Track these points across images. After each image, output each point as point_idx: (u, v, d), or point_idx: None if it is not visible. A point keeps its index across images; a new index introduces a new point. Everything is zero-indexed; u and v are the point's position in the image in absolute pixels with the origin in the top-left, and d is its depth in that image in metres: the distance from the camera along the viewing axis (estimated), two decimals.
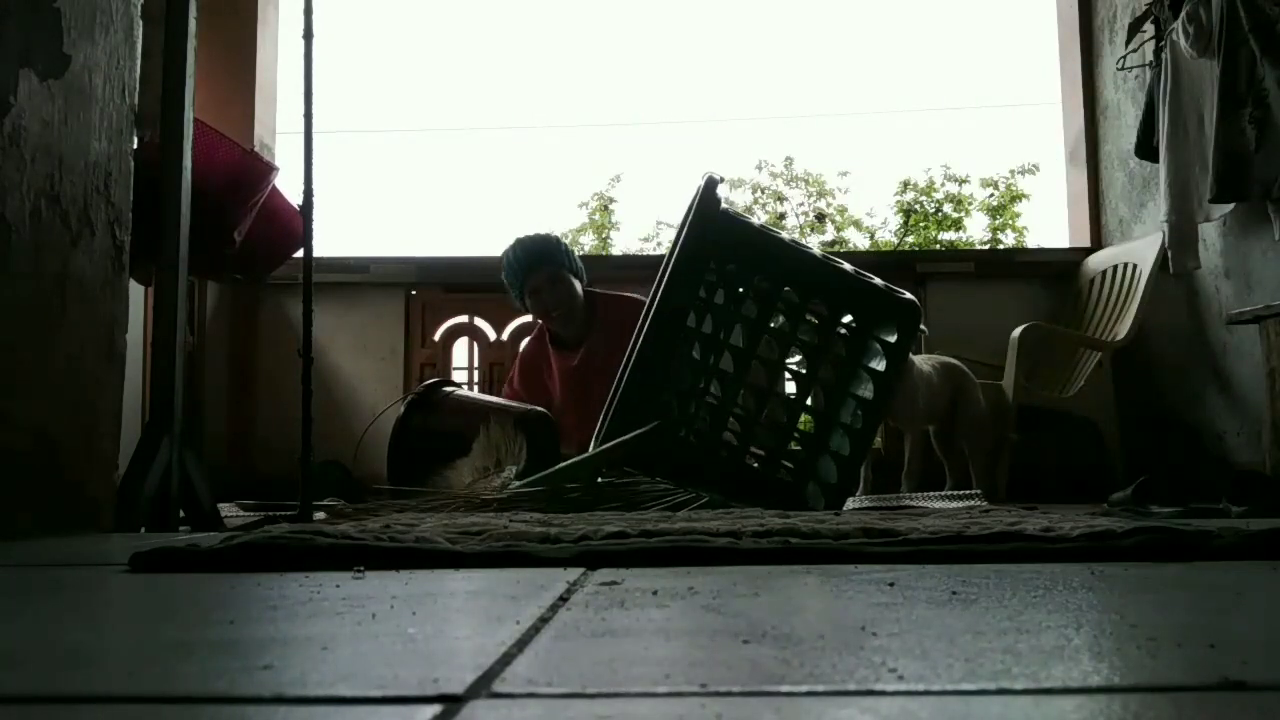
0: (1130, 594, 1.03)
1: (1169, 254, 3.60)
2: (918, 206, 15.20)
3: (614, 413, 2.54)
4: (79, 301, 2.11)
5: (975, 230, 15.09)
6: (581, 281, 3.47)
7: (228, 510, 2.88)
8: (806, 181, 15.53)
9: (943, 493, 3.37)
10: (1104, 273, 4.12)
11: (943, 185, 15.20)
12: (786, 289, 2.59)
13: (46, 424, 2.00)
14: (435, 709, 0.56)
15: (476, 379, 4.61)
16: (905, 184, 15.29)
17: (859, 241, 15.15)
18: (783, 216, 15.19)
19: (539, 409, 3.19)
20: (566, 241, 3.63)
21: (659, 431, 2.47)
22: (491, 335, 4.54)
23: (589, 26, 31.90)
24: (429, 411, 3.24)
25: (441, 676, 0.63)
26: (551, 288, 3.31)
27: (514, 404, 3.24)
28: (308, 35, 2.53)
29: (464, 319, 4.61)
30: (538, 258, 3.31)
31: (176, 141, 2.41)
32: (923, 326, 2.93)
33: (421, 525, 1.65)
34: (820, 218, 15.27)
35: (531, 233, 3.44)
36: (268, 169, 3.49)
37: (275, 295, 4.39)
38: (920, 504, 2.99)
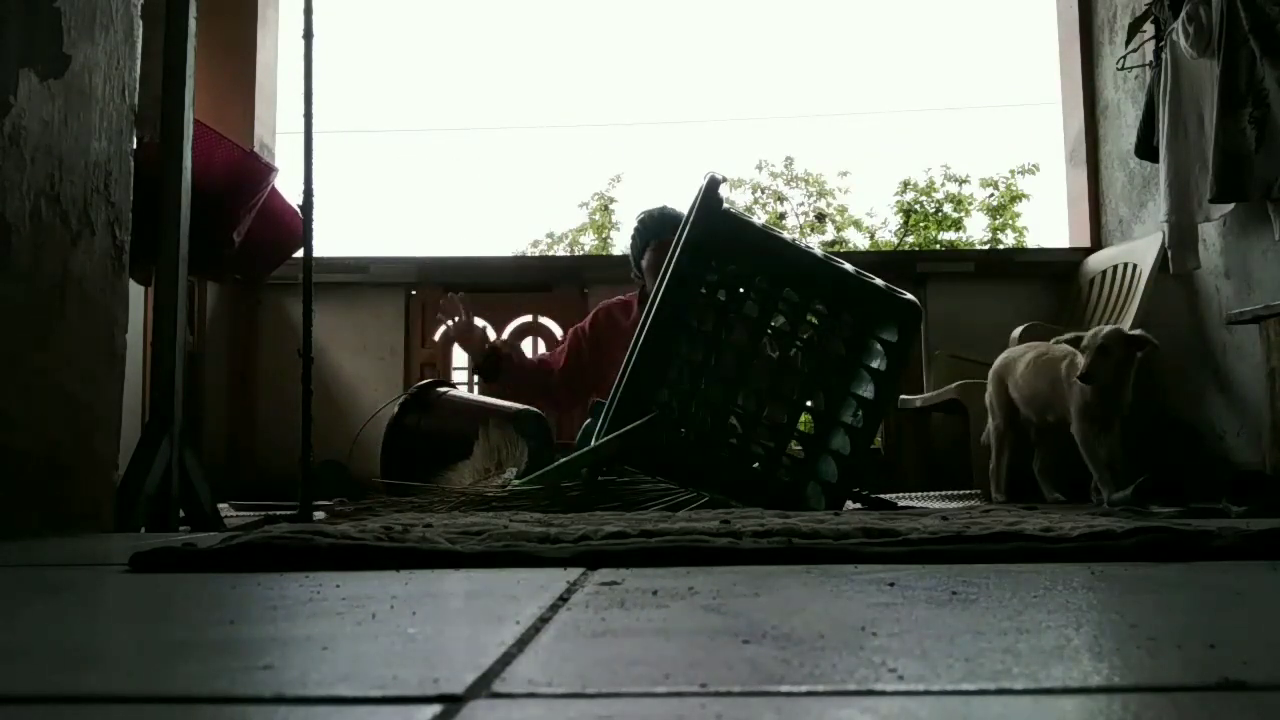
0: (1130, 594, 1.03)
1: (1169, 254, 3.61)
2: (918, 206, 15.22)
3: (614, 412, 2.53)
4: (79, 301, 2.10)
5: (975, 230, 15.12)
6: None
7: (227, 510, 2.89)
8: (806, 181, 15.56)
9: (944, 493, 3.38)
10: (1104, 273, 4.12)
11: (943, 185, 15.24)
12: (787, 289, 2.59)
13: (46, 424, 2.00)
14: (435, 709, 0.56)
15: (476, 379, 4.61)
16: (905, 184, 15.32)
17: (859, 241, 15.18)
18: (783, 216, 15.21)
19: (533, 409, 3.19)
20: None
21: (655, 425, 2.47)
22: (492, 335, 4.53)
23: (589, 26, 31.93)
24: (423, 412, 3.25)
25: (441, 676, 0.63)
26: None
27: (506, 404, 3.24)
28: (308, 35, 2.53)
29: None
30: (675, 221, 3.45)
31: (176, 141, 2.41)
32: None
33: (421, 525, 1.65)
34: (820, 218, 15.28)
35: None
36: (267, 169, 3.49)
37: (275, 295, 4.40)
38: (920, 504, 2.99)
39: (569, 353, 3.52)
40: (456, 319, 3.42)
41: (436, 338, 4.58)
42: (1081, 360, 2.97)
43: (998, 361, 3.50)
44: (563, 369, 3.49)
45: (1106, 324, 3.80)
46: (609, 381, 3.52)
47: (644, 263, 3.45)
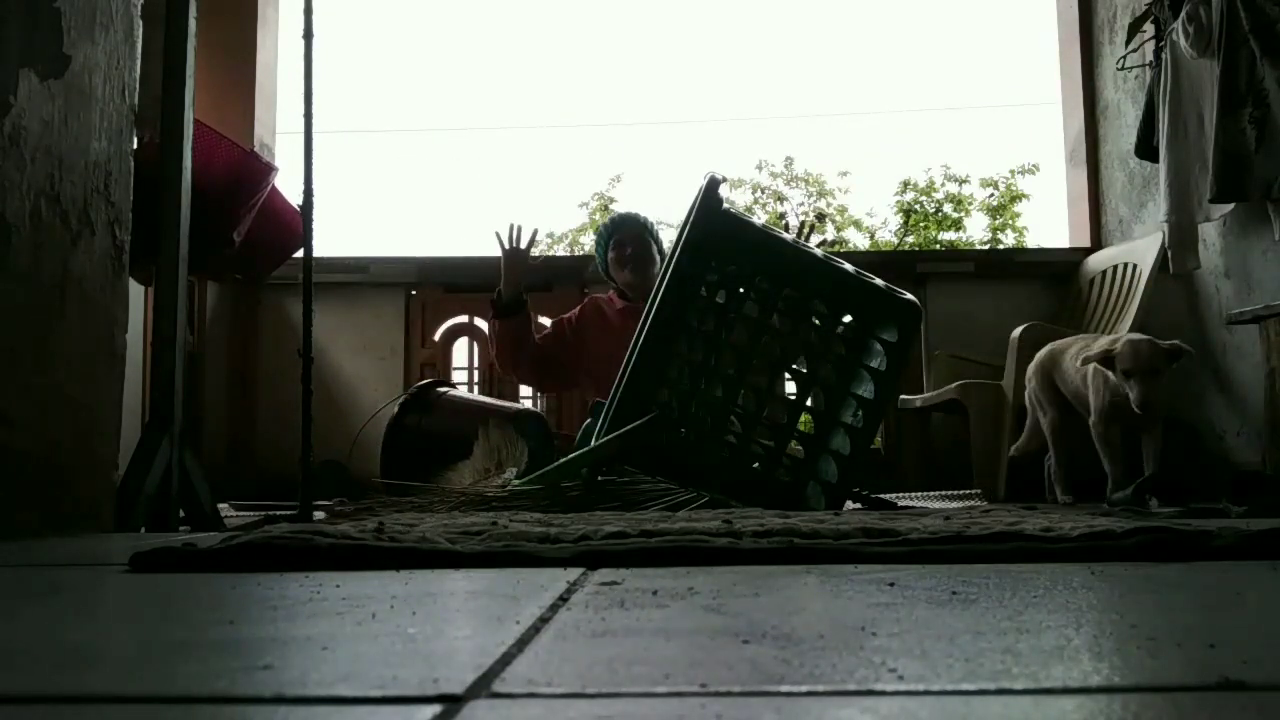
0: (1130, 594, 1.03)
1: (1169, 254, 3.60)
2: (918, 206, 15.21)
3: (614, 412, 2.53)
4: (79, 301, 2.11)
5: (975, 230, 15.11)
6: (661, 258, 3.67)
7: (227, 510, 2.88)
8: (806, 181, 15.55)
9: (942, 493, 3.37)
10: (1104, 273, 4.12)
11: (943, 185, 15.23)
12: (787, 289, 2.59)
13: (46, 424, 2.00)
14: (435, 709, 0.56)
15: (476, 379, 4.61)
16: (905, 184, 15.31)
17: (859, 241, 15.17)
18: (783, 216, 15.20)
19: (533, 410, 3.19)
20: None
21: (655, 425, 2.47)
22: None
23: (589, 26, 31.96)
24: (423, 412, 3.25)
25: (441, 676, 0.63)
26: (635, 243, 3.63)
27: (506, 404, 3.25)
28: (308, 35, 2.53)
29: (464, 319, 4.62)
30: (632, 220, 3.73)
31: (176, 141, 2.41)
32: None
33: (421, 525, 1.65)
34: (820, 218, 15.27)
35: None
36: (267, 169, 3.49)
37: (275, 295, 4.40)
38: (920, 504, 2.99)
39: (552, 333, 3.63)
40: (518, 244, 3.51)
41: (437, 335, 4.59)
42: (1114, 377, 2.91)
43: (1041, 354, 3.38)
44: (538, 339, 3.59)
45: (1120, 331, 3.75)
46: (585, 370, 3.59)
47: (609, 259, 3.63)
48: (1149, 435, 3.03)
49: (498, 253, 3.52)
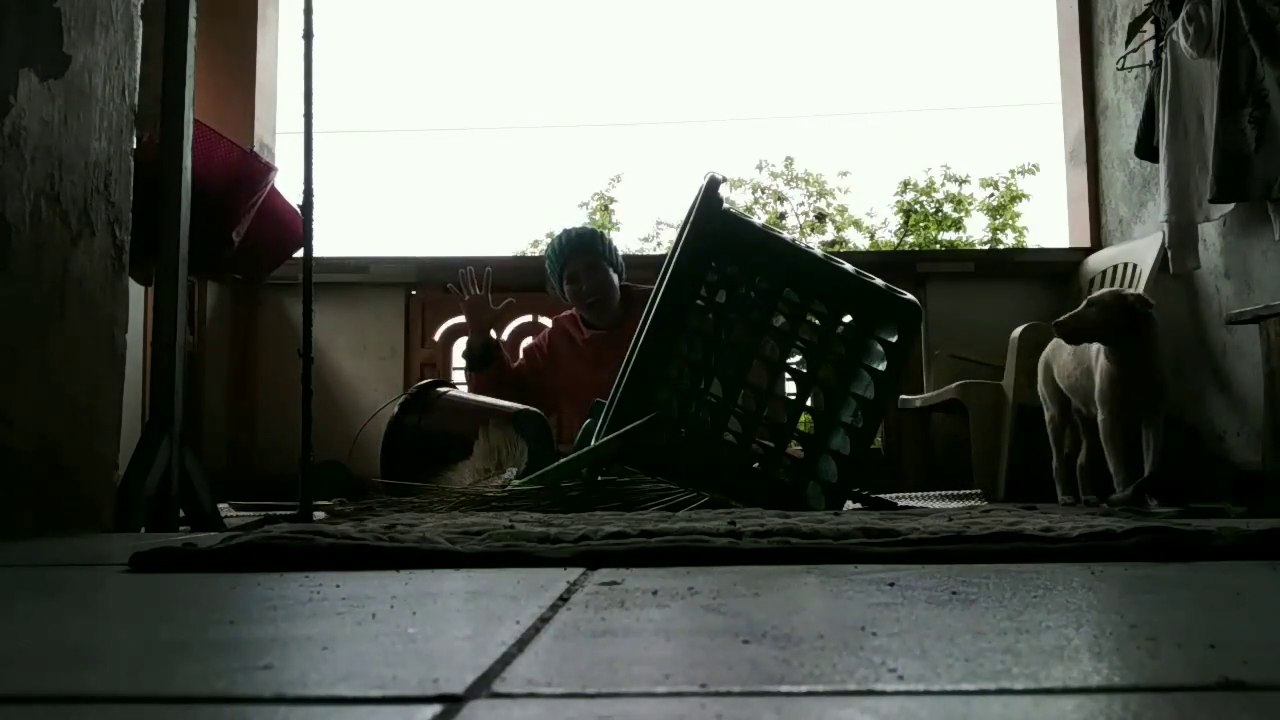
0: (1130, 594, 1.03)
1: (1169, 254, 3.60)
2: (918, 206, 15.22)
3: (614, 412, 2.53)
4: (79, 301, 2.11)
5: (975, 230, 15.13)
6: (620, 275, 3.58)
7: (227, 510, 2.88)
8: (806, 181, 15.57)
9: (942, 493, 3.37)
10: (1104, 273, 4.12)
11: (943, 185, 15.24)
12: (788, 289, 2.59)
13: (46, 424, 2.00)
14: (435, 709, 0.56)
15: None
16: (905, 184, 15.32)
17: (859, 241, 15.19)
18: (783, 216, 15.21)
19: (533, 409, 3.19)
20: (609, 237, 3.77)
21: (655, 425, 2.47)
22: (492, 335, 4.53)
23: (589, 26, 31.96)
24: (423, 412, 3.25)
25: (441, 676, 0.63)
26: (588, 275, 3.45)
27: (507, 404, 3.25)
28: (308, 35, 2.53)
29: (464, 319, 4.61)
30: (577, 245, 3.48)
31: (176, 141, 2.40)
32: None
33: (421, 525, 1.65)
34: (820, 218, 15.28)
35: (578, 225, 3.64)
36: (267, 169, 3.49)
37: (275, 295, 4.39)
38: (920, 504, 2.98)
39: (526, 363, 3.64)
40: (474, 291, 3.47)
41: (437, 335, 4.59)
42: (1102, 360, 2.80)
43: (1048, 347, 3.32)
44: (513, 369, 3.60)
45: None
46: (564, 393, 3.57)
47: (566, 291, 3.52)
48: (1151, 431, 2.89)
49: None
